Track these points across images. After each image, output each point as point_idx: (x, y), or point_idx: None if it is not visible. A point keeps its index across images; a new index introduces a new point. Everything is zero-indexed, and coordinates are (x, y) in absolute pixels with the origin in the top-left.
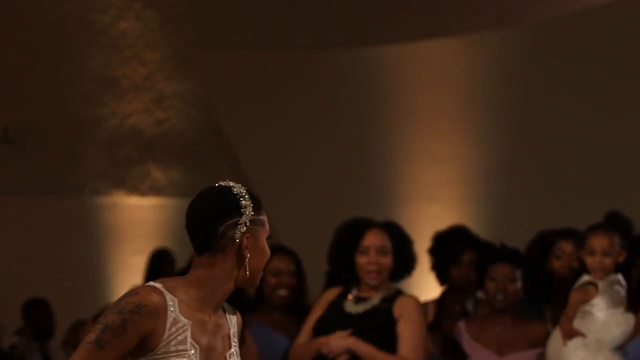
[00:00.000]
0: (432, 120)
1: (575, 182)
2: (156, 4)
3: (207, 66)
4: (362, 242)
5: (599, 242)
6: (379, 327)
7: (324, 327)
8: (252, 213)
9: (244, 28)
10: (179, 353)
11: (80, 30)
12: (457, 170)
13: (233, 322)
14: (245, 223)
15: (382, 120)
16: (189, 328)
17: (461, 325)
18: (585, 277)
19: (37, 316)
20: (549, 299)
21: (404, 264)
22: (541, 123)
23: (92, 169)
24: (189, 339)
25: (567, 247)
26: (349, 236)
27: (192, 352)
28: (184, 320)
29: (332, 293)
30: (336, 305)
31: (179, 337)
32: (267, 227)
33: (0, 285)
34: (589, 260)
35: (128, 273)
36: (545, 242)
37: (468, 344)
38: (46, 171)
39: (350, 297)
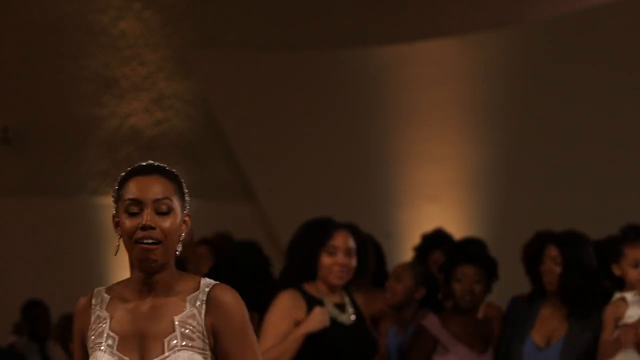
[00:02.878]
0: (432, 120)
1: (575, 182)
2: (156, 4)
3: (207, 66)
4: (330, 242)
5: None
6: (368, 331)
7: (321, 339)
8: (115, 191)
9: (244, 28)
10: (95, 346)
11: (80, 31)
12: (457, 170)
13: (188, 307)
14: (113, 203)
15: (382, 120)
16: (109, 321)
17: (434, 319)
18: (621, 294)
19: (34, 317)
20: (541, 301)
21: (362, 267)
22: (541, 123)
23: (92, 169)
24: (107, 331)
25: (551, 251)
26: (315, 235)
27: (108, 342)
28: (105, 314)
29: (291, 299)
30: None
31: (98, 331)
32: (126, 197)
33: (0, 285)
34: (633, 274)
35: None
36: (539, 243)
37: (448, 340)
38: (46, 171)
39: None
